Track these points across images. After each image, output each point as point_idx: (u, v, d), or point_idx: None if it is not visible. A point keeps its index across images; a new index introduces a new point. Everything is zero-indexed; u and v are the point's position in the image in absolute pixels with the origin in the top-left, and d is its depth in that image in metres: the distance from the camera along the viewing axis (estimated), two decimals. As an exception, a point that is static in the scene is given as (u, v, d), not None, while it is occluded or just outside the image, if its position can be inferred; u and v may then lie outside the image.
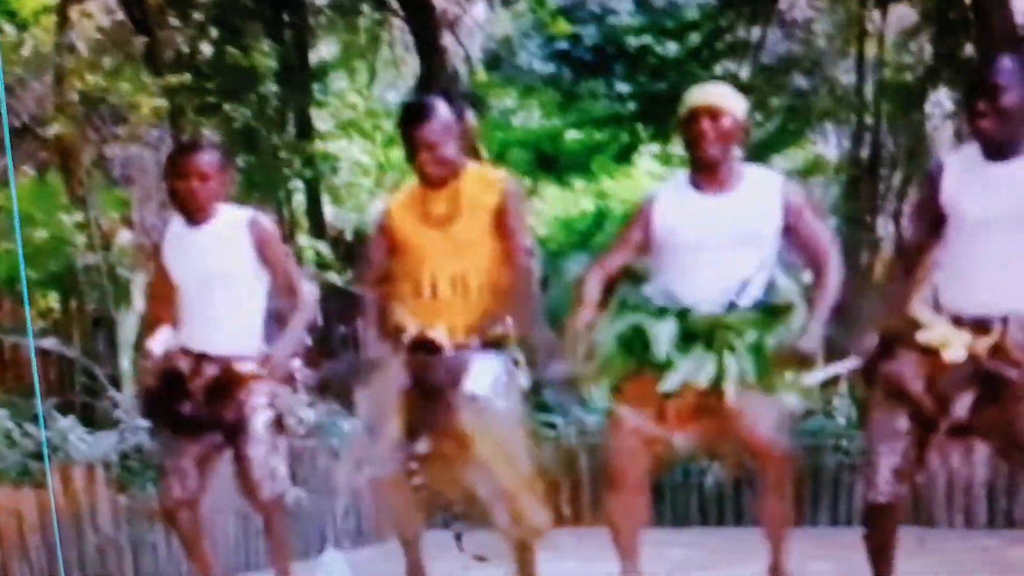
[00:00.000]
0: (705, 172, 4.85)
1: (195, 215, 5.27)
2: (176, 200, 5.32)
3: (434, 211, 4.90)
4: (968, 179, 4.46)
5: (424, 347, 4.84)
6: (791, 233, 4.82)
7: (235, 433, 5.23)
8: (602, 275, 4.95)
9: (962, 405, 4.31)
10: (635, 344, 4.76)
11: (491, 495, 4.83)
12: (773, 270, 4.80)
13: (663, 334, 4.72)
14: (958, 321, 4.37)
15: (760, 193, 4.82)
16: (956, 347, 4.34)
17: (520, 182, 5.17)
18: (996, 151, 4.41)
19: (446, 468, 4.85)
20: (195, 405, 5.21)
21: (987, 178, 4.39)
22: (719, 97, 4.87)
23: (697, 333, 4.70)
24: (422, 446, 4.79)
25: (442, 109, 4.93)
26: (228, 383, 5.21)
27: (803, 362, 4.78)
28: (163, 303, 5.46)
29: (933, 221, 4.59)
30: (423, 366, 4.82)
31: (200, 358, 5.24)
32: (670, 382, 4.65)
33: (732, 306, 4.73)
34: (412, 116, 4.95)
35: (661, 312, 4.77)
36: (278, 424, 5.32)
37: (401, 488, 4.87)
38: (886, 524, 4.61)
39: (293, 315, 5.34)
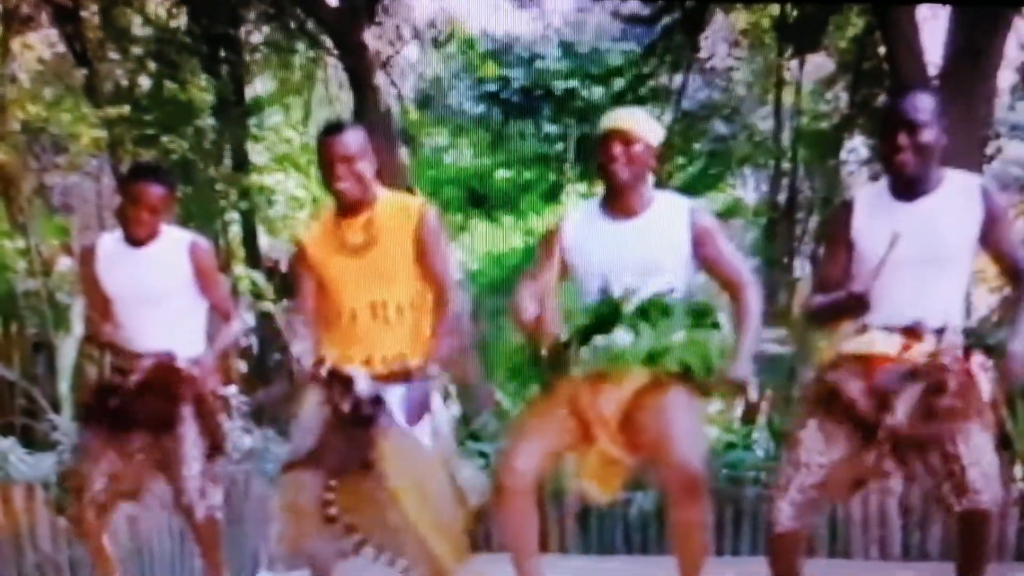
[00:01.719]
0: (616, 197, 4.76)
1: (137, 233, 5.27)
2: (124, 223, 5.31)
3: (350, 240, 4.84)
4: (876, 216, 4.47)
5: (339, 381, 4.81)
6: (703, 258, 4.76)
7: (167, 450, 5.22)
8: (534, 289, 4.86)
9: (902, 409, 4.31)
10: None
11: (402, 531, 4.80)
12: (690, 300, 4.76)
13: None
14: (889, 330, 4.40)
15: (667, 219, 4.72)
16: (890, 343, 4.36)
17: (448, 216, 5.14)
18: (906, 189, 4.42)
19: (362, 501, 4.81)
20: (127, 398, 5.20)
21: (894, 217, 4.40)
22: (632, 122, 4.76)
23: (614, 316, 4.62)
24: (337, 478, 4.76)
25: (359, 130, 4.93)
26: (163, 377, 5.21)
27: (735, 390, 4.76)
28: (103, 312, 5.45)
29: (845, 258, 4.60)
30: (342, 397, 4.78)
31: (138, 355, 5.25)
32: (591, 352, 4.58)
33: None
34: (329, 129, 4.94)
35: (569, 315, 4.71)
36: (212, 446, 5.33)
37: (313, 518, 4.81)
38: (788, 553, 4.60)
39: (223, 330, 5.41)
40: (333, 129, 4.90)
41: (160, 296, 5.26)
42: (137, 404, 5.19)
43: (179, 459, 5.18)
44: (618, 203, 4.77)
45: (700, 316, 4.70)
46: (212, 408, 5.31)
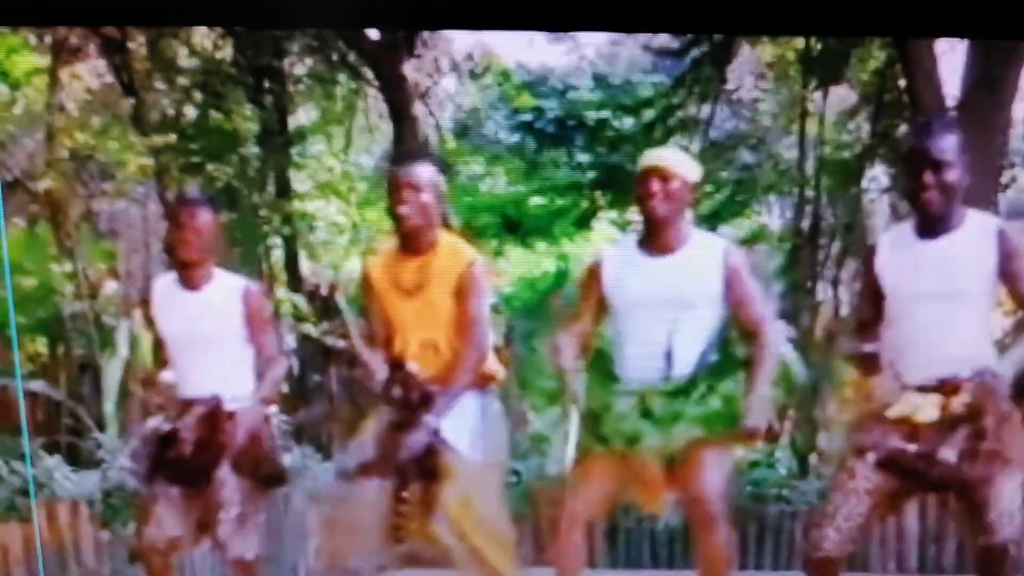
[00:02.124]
0: (653, 233, 4.79)
1: (190, 275, 5.27)
2: (172, 251, 5.34)
3: (405, 280, 4.87)
4: (899, 257, 4.46)
5: (397, 369, 4.81)
6: (730, 297, 4.77)
7: (208, 489, 5.22)
8: (574, 341, 4.91)
9: (950, 450, 4.31)
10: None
11: (455, 544, 4.80)
12: (719, 334, 4.76)
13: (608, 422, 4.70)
14: (924, 390, 4.37)
15: (702, 257, 4.76)
16: (927, 408, 4.34)
17: (483, 242, 5.15)
18: (930, 227, 4.41)
19: (417, 513, 4.82)
20: (178, 455, 5.20)
21: (916, 255, 4.39)
22: (669, 160, 4.79)
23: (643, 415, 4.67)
24: (410, 491, 4.76)
25: (431, 166, 4.97)
26: (210, 429, 5.20)
27: (750, 438, 4.78)
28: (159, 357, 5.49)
29: (875, 298, 4.59)
30: (399, 382, 4.79)
31: (188, 404, 5.26)
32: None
33: (668, 378, 4.69)
34: (402, 158, 5.00)
35: (607, 402, 4.74)
36: (261, 481, 5.32)
37: (381, 531, 4.82)
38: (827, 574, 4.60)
39: (268, 371, 5.38)
40: (405, 158, 4.99)
41: (213, 340, 5.28)
42: (185, 459, 5.21)
43: (216, 504, 5.19)
44: (656, 239, 4.81)
45: (728, 371, 4.71)
46: (255, 453, 5.31)
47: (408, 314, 4.88)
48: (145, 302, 5.50)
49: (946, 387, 4.34)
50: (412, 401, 4.77)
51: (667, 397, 4.66)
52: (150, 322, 5.44)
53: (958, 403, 4.32)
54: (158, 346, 5.52)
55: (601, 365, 4.96)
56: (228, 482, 5.17)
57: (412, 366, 4.82)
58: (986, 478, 4.29)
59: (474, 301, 4.87)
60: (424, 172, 4.91)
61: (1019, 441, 4.34)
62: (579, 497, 4.81)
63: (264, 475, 5.35)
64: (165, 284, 5.42)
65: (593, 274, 4.95)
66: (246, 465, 5.22)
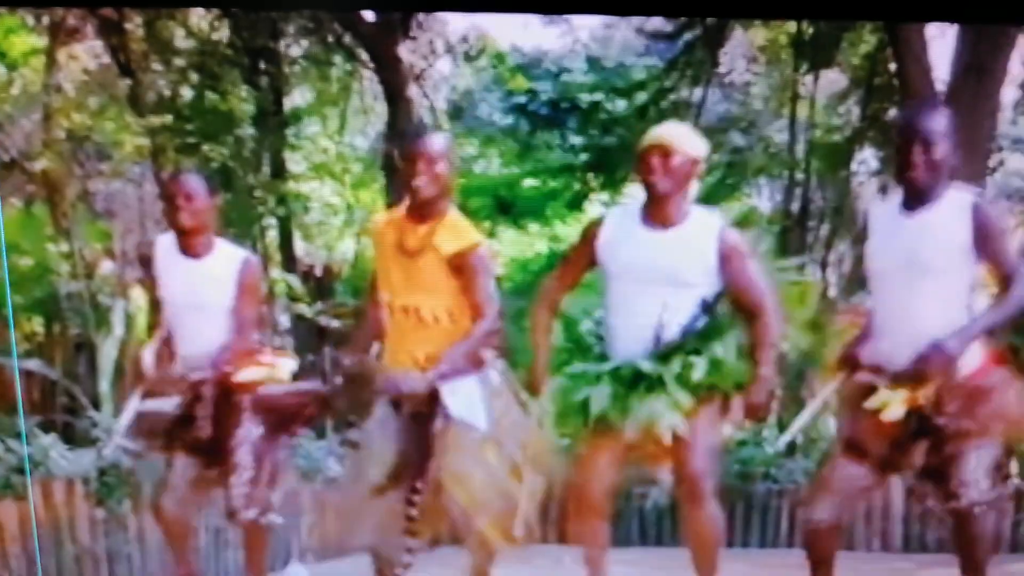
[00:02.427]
0: (654, 206, 4.76)
1: (189, 242, 5.26)
2: (169, 221, 5.33)
3: (407, 242, 4.86)
4: (884, 231, 4.46)
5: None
6: (726, 276, 4.73)
7: (223, 455, 5.23)
8: (549, 302, 4.94)
9: (919, 454, 4.36)
10: (578, 410, 4.73)
11: (457, 516, 4.82)
12: (708, 301, 4.74)
13: (598, 397, 4.68)
14: (896, 376, 4.36)
15: (698, 234, 4.72)
16: (894, 407, 4.34)
17: (476, 223, 5.12)
18: (913, 202, 4.40)
19: (428, 501, 4.82)
20: (199, 427, 5.20)
21: (897, 230, 4.39)
22: (671, 135, 4.75)
23: (632, 384, 4.65)
24: (422, 484, 4.76)
25: (446, 137, 5.01)
26: (227, 395, 5.22)
27: (755, 413, 4.77)
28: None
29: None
30: (400, 403, 4.80)
31: (200, 383, 5.24)
32: (629, 430, 4.65)
33: (658, 341, 4.66)
34: (419, 130, 5.00)
35: (597, 378, 4.71)
36: (270, 440, 5.32)
37: (397, 514, 4.82)
38: (827, 544, 4.62)
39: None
40: (422, 130, 5.00)
41: (213, 310, 5.26)
42: (202, 436, 5.21)
43: (230, 468, 5.20)
44: (656, 212, 4.77)
45: (715, 335, 4.69)
46: (269, 402, 5.32)
47: (401, 273, 4.86)
48: (147, 259, 5.50)
49: (914, 378, 4.32)
50: (422, 416, 4.78)
51: (654, 361, 4.63)
52: (151, 279, 5.45)
53: (924, 394, 4.32)
54: (154, 308, 5.50)
55: (578, 344, 4.96)
56: (242, 447, 5.18)
57: (400, 378, 4.81)
58: (954, 454, 4.33)
59: (482, 280, 4.85)
60: (439, 143, 4.91)
61: (987, 412, 4.36)
62: (584, 478, 4.82)
63: (288, 415, 5.38)
64: (167, 242, 5.39)
65: (591, 231, 4.93)
66: (266, 413, 5.26)
